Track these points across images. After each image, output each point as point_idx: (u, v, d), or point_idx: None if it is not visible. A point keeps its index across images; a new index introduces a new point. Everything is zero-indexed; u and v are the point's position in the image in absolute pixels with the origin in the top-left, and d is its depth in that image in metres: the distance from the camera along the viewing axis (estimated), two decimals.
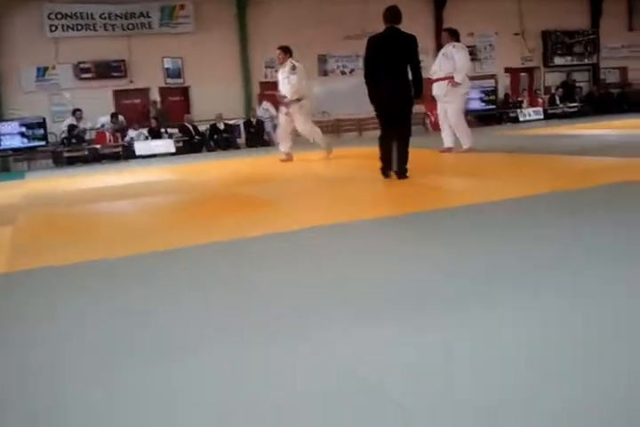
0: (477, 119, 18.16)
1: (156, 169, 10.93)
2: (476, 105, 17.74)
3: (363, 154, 9.11)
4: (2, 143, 14.18)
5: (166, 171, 10.39)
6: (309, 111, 9.98)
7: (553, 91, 19.84)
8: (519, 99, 19.12)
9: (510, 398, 1.65)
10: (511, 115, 18.36)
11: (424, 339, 2.12)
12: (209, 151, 15.39)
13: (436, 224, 4.08)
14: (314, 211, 5.03)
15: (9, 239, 4.83)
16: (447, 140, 9.20)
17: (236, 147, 15.88)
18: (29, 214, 6.30)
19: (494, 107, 18.31)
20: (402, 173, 6.14)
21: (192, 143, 15.51)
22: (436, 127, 17.18)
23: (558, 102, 19.23)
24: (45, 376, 2.08)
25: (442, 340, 2.09)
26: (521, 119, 18.03)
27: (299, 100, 9.43)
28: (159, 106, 16.13)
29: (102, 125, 15.10)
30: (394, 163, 6.15)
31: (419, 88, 6.23)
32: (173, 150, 15.02)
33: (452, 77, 8.72)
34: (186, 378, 1.97)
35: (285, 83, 9.45)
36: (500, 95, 19.01)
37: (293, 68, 9.39)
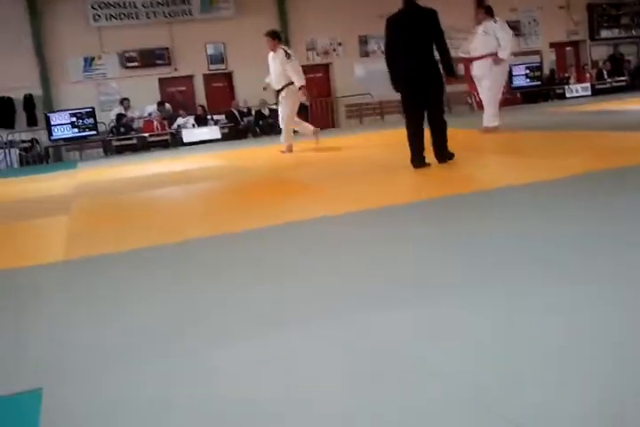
0: (523, 96, 17.89)
1: (203, 156, 11.10)
2: (521, 82, 17.48)
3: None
4: (54, 134, 14.53)
5: (213, 157, 10.54)
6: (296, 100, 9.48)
7: (600, 65, 19.40)
8: (566, 74, 18.76)
9: (553, 361, 1.71)
10: (558, 91, 18.04)
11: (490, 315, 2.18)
12: (254, 137, 15.52)
13: (482, 206, 4.10)
14: (357, 195, 5.09)
15: (65, 228, 5.02)
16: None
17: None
18: (83, 203, 6.50)
19: (540, 83, 17.99)
20: (445, 159, 5.90)
21: (237, 129, 15.66)
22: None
23: (606, 77, 18.80)
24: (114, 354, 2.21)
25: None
26: (568, 95, 17.69)
27: (290, 84, 9.12)
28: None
29: (149, 114, 15.34)
30: (434, 152, 5.89)
31: (449, 65, 5.86)
32: (219, 137, 15.20)
33: (495, 54, 8.58)
34: (246, 358, 2.07)
35: (279, 71, 9.11)
36: (546, 71, 18.67)
37: (288, 55, 9.06)
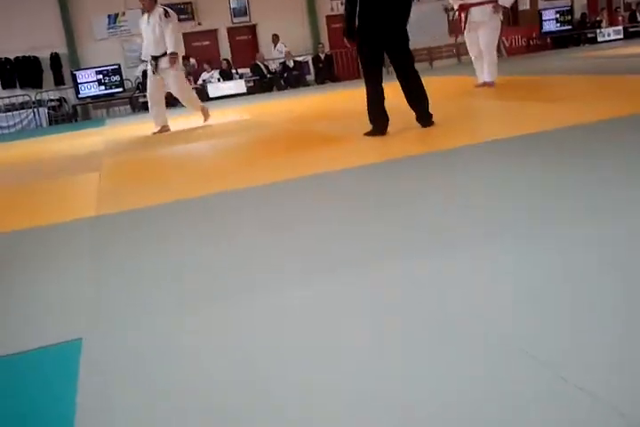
0: (553, 41, 17.49)
1: (230, 110, 11.08)
2: (551, 26, 17.06)
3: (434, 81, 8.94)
4: (81, 92, 14.58)
5: (240, 111, 10.53)
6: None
7: (633, 7, 18.80)
8: (597, 18, 18.23)
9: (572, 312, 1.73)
10: (589, 35, 17.57)
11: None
12: (279, 90, 15.43)
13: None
14: (386, 145, 5.07)
15: (96, 185, 5.09)
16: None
17: (306, 84, 15.85)
18: (112, 160, 6.56)
19: (570, 28, 17.53)
20: (428, 120, 5.35)
21: (263, 82, 15.57)
22: (512, 52, 16.78)
23: (639, 19, 18.24)
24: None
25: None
26: (599, 40, 17.24)
27: (174, 55, 7.92)
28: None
29: None
30: (417, 113, 5.38)
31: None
32: (245, 91, 15.13)
33: (495, 1, 8.02)
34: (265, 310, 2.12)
35: (155, 35, 7.84)
36: (577, 15, 18.16)
37: (166, 14, 7.79)
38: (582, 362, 1.48)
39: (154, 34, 7.86)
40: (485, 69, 8.25)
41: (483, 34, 8.15)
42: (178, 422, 1.49)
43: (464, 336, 1.69)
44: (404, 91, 5.36)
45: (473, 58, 8.52)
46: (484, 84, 8.21)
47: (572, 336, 1.61)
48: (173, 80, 8.09)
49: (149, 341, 1.97)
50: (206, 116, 8.68)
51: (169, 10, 7.98)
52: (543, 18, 16.96)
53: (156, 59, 7.96)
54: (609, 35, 17.49)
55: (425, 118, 5.35)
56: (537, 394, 1.38)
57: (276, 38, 16.12)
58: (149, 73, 8.19)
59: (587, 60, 11.41)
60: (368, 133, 5.34)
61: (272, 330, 1.91)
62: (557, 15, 17.24)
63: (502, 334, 1.67)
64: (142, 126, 8.58)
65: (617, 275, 1.95)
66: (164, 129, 8.45)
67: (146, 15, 7.97)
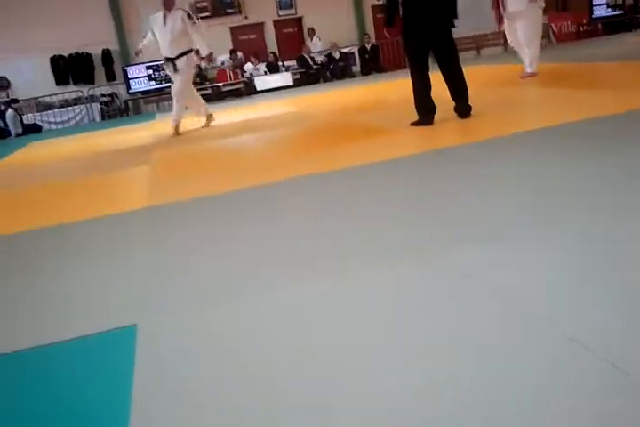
0: (604, 27, 17.11)
1: (276, 103, 11.18)
2: (602, 12, 16.68)
3: (481, 73, 8.89)
4: (132, 87, 14.88)
5: (286, 104, 10.61)
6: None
7: None
8: None
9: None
10: None
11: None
12: (325, 81, 15.47)
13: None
14: (432, 136, 5.09)
15: (147, 177, 5.24)
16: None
17: (352, 75, 15.86)
18: (162, 154, 6.71)
19: (622, 12, 17.12)
20: (467, 112, 5.37)
21: (309, 75, 15.64)
22: (561, 39, 16.49)
23: None
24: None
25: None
26: None
27: (188, 52, 7.90)
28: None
29: (222, 63, 15.47)
30: (457, 104, 5.40)
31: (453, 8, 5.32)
32: (291, 83, 15.23)
33: None
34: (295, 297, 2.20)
35: (173, 36, 7.71)
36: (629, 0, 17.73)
37: (190, 16, 7.79)
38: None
39: (172, 34, 7.72)
40: (527, 62, 8.00)
41: (521, 26, 7.80)
42: (229, 406, 1.56)
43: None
44: (447, 83, 5.41)
45: (516, 49, 8.24)
46: (529, 75, 8.02)
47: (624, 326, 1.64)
48: (181, 79, 7.96)
49: (203, 327, 2.05)
50: (209, 119, 8.61)
51: (191, 13, 8.01)
52: (593, 3, 16.61)
53: (171, 60, 7.86)
54: None
55: (464, 111, 5.39)
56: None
57: (311, 32, 16.17)
58: (171, 74, 8.16)
59: (639, 46, 11.16)
60: (414, 123, 5.37)
61: (324, 321, 1.99)
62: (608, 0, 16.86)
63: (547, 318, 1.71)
64: (191, 120, 8.72)
65: None
66: (211, 119, 8.60)
67: (161, 14, 7.78)
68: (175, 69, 7.85)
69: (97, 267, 2.89)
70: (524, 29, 7.81)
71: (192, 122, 8.67)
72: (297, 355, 1.74)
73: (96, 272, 2.81)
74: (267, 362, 1.74)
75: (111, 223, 3.73)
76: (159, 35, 7.82)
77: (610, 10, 16.92)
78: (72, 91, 14.99)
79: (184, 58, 7.86)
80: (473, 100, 5.40)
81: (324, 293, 2.15)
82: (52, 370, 1.94)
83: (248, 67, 15.40)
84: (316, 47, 16.09)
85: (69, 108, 14.84)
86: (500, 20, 8.07)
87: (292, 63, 15.83)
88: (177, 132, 8.17)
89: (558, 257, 2.12)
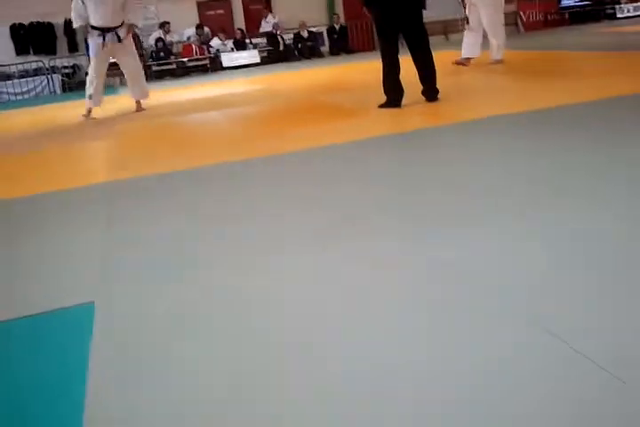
0: (571, 17, 17.25)
1: (242, 80, 11.05)
2: (570, 1, 16.82)
3: (450, 58, 8.88)
4: None
5: (253, 81, 10.50)
6: None
7: None
8: None
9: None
10: (608, 11, 17.31)
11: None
12: (293, 61, 15.35)
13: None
14: (399, 118, 5.08)
15: (107, 152, 5.13)
16: (470, 50, 8.16)
17: (320, 55, 15.75)
18: (124, 127, 6.59)
19: (589, 3, 17.27)
20: (434, 94, 5.37)
21: (277, 53, 15.49)
22: (529, 27, 16.58)
23: None
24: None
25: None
26: (619, 16, 16.98)
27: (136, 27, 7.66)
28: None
29: (188, 38, 15.22)
30: (425, 87, 5.38)
31: None
32: (259, 61, 15.07)
33: None
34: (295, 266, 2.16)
35: (116, 6, 7.30)
36: None
37: None
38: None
39: (114, 4, 7.31)
40: (494, 49, 8.02)
41: (484, 15, 7.85)
42: (189, 386, 1.53)
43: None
44: (416, 66, 5.39)
45: (467, 31, 8.17)
46: (495, 62, 8.05)
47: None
48: (132, 54, 7.72)
49: (160, 305, 2.01)
50: (140, 105, 8.07)
51: None
52: None
53: (110, 30, 7.38)
54: (629, 11, 17.21)
55: (431, 93, 5.39)
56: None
57: (266, 10, 15.86)
58: (97, 48, 7.54)
59: (604, 36, 11.27)
60: (382, 105, 5.35)
61: (300, 290, 1.96)
62: None
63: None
64: (155, 95, 8.57)
65: None
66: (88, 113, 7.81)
67: None
68: (119, 40, 7.41)
69: (53, 242, 2.82)
70: (486, 17, 7.86)
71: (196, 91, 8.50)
72: (260, 338, 1.72)
73: (52, 247, 2.74)
74: (229, 340, 1.71)
75: (72, 196, 3.64)
76: (94, 3, 7.32)
77: (577, 0, 17.06)
78: (32, 61, 14.61)
79: (125, 28, 7.47)
80: (440, 84, 5.40)
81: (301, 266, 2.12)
82: (7, 346, 1.89)
83: (215, 42, 15.18)
84: (267, 27, 15.78)
85: (29, 78, 14.46)
86: (464, 5, 8.19)
87: (260, 40, 15.63)
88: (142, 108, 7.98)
89: (530, 244, 2.12)
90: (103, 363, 1.67)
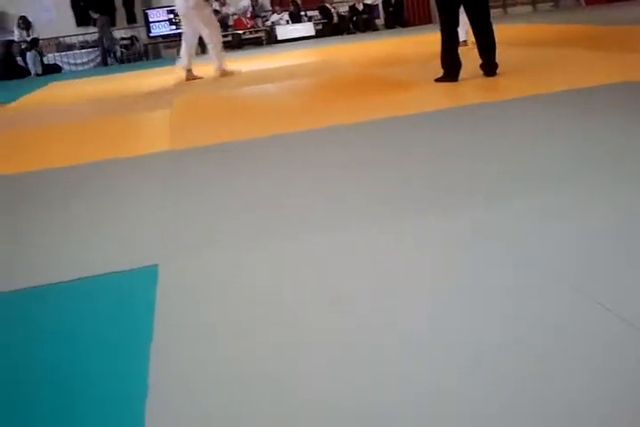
0: None
1: (298, 53, 11.06)
2: None
3: (509, 32, 8.73)
4: (152, 31, 14.74)
5: (307, 54, 10.51)
6: None
7: None
8: None
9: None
10: None
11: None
12: (348, 34, 15.27)
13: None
14: (457, 92, 5.06)
15: (168, 121, 5.25)
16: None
17: (375, 28, 15.63)
18: (184, 98, 6.70)
19: None
20: (493, 70, 5.29)
21: (331, 26, 15.43)
22: (590, 1, 16.11)
23: None
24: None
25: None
26: None
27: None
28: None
29: (242, 9, 15.25)
30: (484, 61, 5.29)
31: None
32: (313, 33, 15.05)
33: None
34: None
35: None
36: None
37: None
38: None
39: None
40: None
41: None
42: (247, 342, 1.59)
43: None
44: (476, 40, 5.34)
45: None
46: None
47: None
48: (208, 22, 7.97)
49: (222, 270, 2.08)
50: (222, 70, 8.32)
51: None
52: None
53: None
54: None
55: (490, 68, 5.31)
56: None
57: None
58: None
59: None
60: (439, 79, 5.33)
61: (337, 266, 2.03)
62: None
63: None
64: (212, 67, 8.65)
65: None
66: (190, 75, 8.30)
67: None
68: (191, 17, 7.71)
69: (119, 207, 2.92)
70: None
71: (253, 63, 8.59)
72: (316, 299, 1.78)
73: (119, 213, 2.84)
74: (286, 305, 1.77)
75: (132, 164, 3.76)
76: None
77: None
78: (93, 32, 14.85)
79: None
80: (499, 58, 5.34)
81: (336, 242, 2.19)
82: (70, 307, 1.96)
83: (272, 17, 15.19)
84: None
85: (90, 49, 14.73)
86: None
87: (315, 13, 15.59)
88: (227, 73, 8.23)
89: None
90: (167, 325, 1.72)
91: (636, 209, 2.13)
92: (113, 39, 14.69)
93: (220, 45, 8.29)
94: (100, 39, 14.43)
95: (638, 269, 1.71)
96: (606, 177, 2.48)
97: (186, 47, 8.21)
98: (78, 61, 14.54)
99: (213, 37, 8.07)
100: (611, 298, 1.56)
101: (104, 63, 14.55)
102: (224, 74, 8.27)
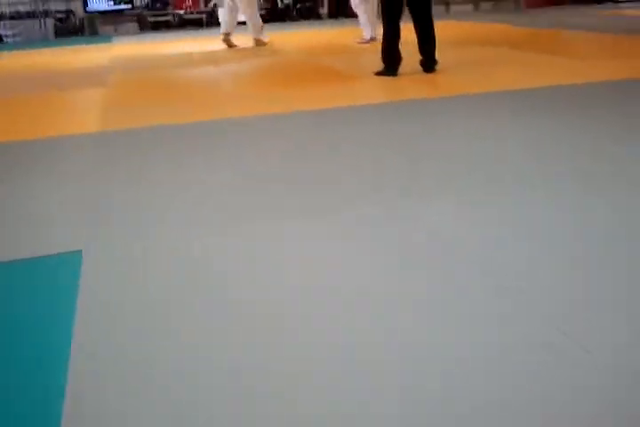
0: None
1: (237, 37, 10.91)
2: None
3: (450, 30, 8.83)
4: (89, 5, 14.29)
5: (248, 39, 10.37)
6: None
7: None
8: None
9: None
10: None
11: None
12: (291, 21, 15.15)
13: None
14: (395, 87, 5.08)
15: (101, 100, 5.10)
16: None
17: (319, 17, 15.56)
18: (119, 77, 6.53)
19: None
20: (432, 66, 5.35)
21: (274, 12, 15.28)
22: (529, 4, 16.41)
23: None
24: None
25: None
26: None
27: None
28: None
29: None
30: (423, 57, 5.35)
31: None
32: None
33: None
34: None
35: None
36: None
37: None
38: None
39: None
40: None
41: None
42: (175, 327, 1.58)
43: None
44: (417, 35, 5.35)
45: None
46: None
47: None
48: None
49: (146, 254, 2.05)
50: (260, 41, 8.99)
51: None
52: None
53: None
54: None
55: (430, 64, 5.36)
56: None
57: None
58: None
59: (603, 19, 11.23)
60: (379, 73, 5.33)
61: (292, 255, 2.01)
62: None
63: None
64: (150, 46, 8.48)
65: None
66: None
67: None
68: None
69: (43, 188, 2.83)
70: None
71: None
72: (253, 282, 1.77)
73: (42, 194, 2.75)
74: (216, 287, 1.76)
75: (61, 144, 3.64)
76: None
77: None
78: (25, 2, 14.30)
79: None
80: (438, 55, 5.39)
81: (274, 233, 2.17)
82: None
83: None
84: None
85: (21, 20, 14.18)
86: None
87: None
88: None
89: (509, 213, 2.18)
90: (90, 308, 1.70)
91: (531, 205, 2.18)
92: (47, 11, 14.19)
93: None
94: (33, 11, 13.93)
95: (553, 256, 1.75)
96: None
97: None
98: (8, 33, 13.98)
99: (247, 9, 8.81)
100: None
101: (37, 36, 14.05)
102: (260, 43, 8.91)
